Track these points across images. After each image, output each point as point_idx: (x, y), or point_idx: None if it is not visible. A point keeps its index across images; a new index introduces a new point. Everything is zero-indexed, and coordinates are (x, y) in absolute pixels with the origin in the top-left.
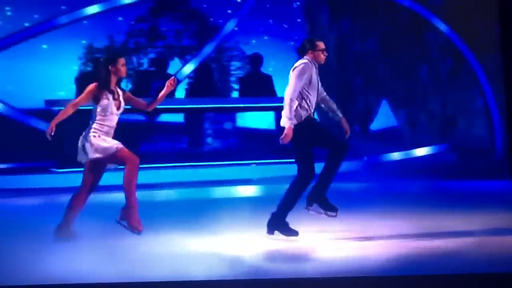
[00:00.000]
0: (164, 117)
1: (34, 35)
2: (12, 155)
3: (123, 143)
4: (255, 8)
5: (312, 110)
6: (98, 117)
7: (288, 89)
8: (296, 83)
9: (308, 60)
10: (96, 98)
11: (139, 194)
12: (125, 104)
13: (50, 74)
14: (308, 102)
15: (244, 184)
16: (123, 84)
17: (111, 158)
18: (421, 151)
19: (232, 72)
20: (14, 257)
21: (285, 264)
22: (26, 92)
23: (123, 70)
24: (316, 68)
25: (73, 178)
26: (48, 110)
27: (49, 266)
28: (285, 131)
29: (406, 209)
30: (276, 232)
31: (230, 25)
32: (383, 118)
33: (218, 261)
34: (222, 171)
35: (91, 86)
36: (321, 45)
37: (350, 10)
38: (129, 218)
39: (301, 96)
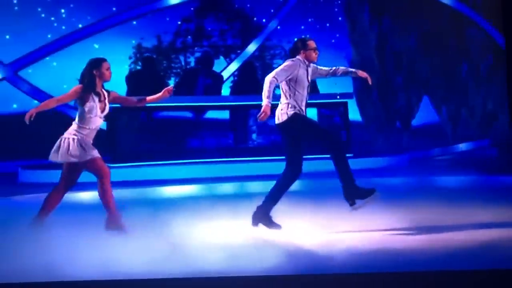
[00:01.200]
0: (210, 114)
1: (87, 36)
2: None
3: (172, 139)
4: (297, 7)
5: (302, 108)
6: (82, 119)
7: (269, 74)
8: (277, 71)
9: (297, 59)
10: (81, 99)
11: (192, 188)
12: (115, 103)
13: None
14: (295, 99)
15: None
16: (171, 82)
17: (83, 165)
18: (461, 146)
19: None
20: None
21: (318, 260)
22: None
23: (107, 74)
24: (307, 67)
25: (127, 172)
26: None
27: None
28: (262, 109)
29: (445, 203)
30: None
31: (273, 24)
32: (424, 114)
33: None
34: (266, 166)
35: (77, 86)
36: (312, 44)
37: (390, 8)
38: (114, 224)
39: (289, 93)
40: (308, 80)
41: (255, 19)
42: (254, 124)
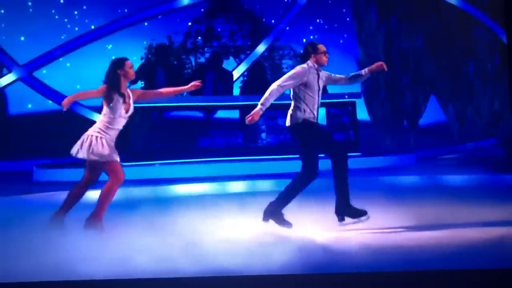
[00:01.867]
0: (220, 114)
1: (99, 37)
2: None
3: (183, 139)
4: (305, 8)
5: (314, 113)
6: (106, 119)
7: (276, 81)
8: (284, 79)
9: (308, 65)
10: (106, 99)
11: (202, 187)
12: (140, 100)
13: None
14: (306, 103)
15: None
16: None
17: (101, 165)
18: (468, 145)
19: (284, 70)
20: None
21: (333, 257)
22: None
23: (131, 72)
24: (318, 71)
25: (139, 171)
26: None
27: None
28: (252, 111)
29: (452, 202)
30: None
31: (282, 25)
32: (432, 113)
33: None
34: (275, 165)
35: (103, 86)
36: (322, 48)
37: (397, 9)
38: (97, 224)
39: (299, 98)
40: (318, 85)
41: (264, 20)
42: (263, 124)
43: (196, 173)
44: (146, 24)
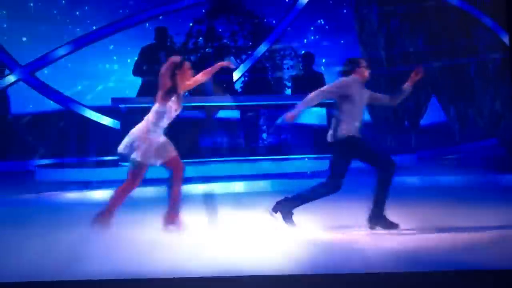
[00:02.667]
0: (222, 114)
1: (101, 37)
2: (82, 149)
3: (184, 139)
4: (306, 8)
5: (356, 126)
6: (156, 116)
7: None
8: (327, 86)
9: (353, 78)
10: (164, 96)
11: (204, 187)
12: (186, 91)
13: (116, 73)
14: (348, 115)
15: (298, 178)
16: None
17: (130, 160)
18: (470, 146)
19: (285, 71)
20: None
21: (337, 258)
22: (94, 91)
23: (189, 73)
24: (361, 84)
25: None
26: (114, 108)
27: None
28: (290, 112)
29: (453, 202)
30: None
31: (283, 26)
32: (433, 113)
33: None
34: (276, 165)
35: (169, 83)
36: (363, 62)
37: (398, 9)
38: (105, 223)
39: (341, 110)
40: (361, 98)
41: (265, 20)
42: (264, 124)
43: (197, 173)
44: (147, 25)
